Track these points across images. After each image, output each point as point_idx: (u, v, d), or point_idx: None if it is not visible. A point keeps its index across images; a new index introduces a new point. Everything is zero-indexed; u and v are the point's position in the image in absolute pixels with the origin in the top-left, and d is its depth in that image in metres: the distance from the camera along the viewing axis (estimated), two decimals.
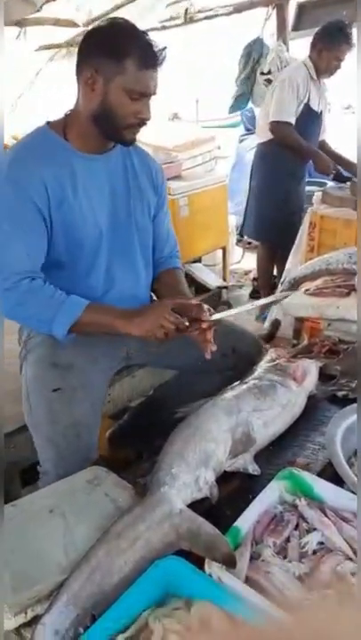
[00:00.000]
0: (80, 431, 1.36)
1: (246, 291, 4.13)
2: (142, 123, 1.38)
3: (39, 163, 1.36)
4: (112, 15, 3.93)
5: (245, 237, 4.64)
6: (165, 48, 1.36)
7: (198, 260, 3.78)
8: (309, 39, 3.21)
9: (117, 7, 4.13)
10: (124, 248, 1.53)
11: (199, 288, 3.62)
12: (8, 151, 1.42)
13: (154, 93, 1.36)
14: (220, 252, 3.94)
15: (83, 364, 1.44)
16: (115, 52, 1.29)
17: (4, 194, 1.34)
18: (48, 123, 1.44)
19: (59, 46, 5.07)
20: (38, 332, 1.47)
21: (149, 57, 1.31)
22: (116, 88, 1.31)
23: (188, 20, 4.39)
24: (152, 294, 1.70)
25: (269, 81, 3.78)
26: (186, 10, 4.31)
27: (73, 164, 1.40)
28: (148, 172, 1.58)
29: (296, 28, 4.38)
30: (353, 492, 1.01)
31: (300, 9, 4.36)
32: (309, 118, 3.23)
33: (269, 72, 3.93)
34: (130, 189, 1.52)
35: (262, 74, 3.89)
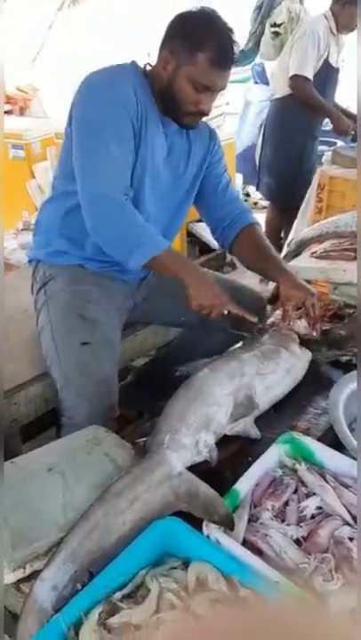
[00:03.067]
0: (109, 387, 1.41)
1: None
2: (202, 113, 1.40)
3: (135, 81, 1.38)
4: None
5: (252, 197, 4.56)
6: (242, 50, 1.35)
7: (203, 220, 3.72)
8: None
9: None
10: (166, 197, 1.54)
11: (203, 248, 3.57)
12: (100, 68, 1.41)
13: (220, 90, 1.38)
14: None
15: (105, 319, 1.48)
16: (191, 42, 1.31)
17: (103, 99, 1.35)
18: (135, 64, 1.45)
19: None
20: (111, 256, 1.43)
21: (222, 57, 1.32)
22: (183, 75, 1.34)
23: None
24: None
25: (277, 34, 3.62)
26: None
27: (152, 107, 1.41)
28: (201, 135, 1.58)
29: None
30: (353, 458, 1.00)
31: None
32: (328, 74, 3.10)
33: (279, 24, 3.75)
34: (184, 150, 1.54)
35: (272, 26, 3.71)
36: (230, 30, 1.35)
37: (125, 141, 1.36)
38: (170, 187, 1.54)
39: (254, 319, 1.39)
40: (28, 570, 0.88)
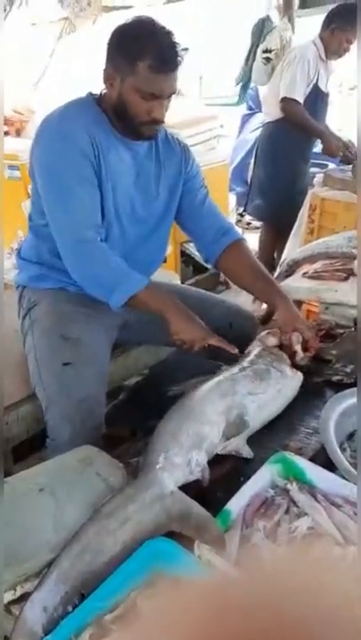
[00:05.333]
0: (92, 406, 1.39)
1: None
2: (156, 121, 1.39)
3: (86, 120, 1.39)
4: None
5: (245, 218, 4.61)
6: (187, 49, 1.36)
7: None
8: (313, 20, 3.14)
9: None
10: (142, 221, 1.55)
11: (197, 267, 3.60)
12: (54, 111, 1.43)
13: (168, 95, 1.37)
14: None
15: (90, 338, 1.47)
16: (130, 53, 1.31)
17: (59, 150, 1.37)
18: (91, 95, 1.47)
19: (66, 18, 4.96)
20: (91, 294, 1.45)
21: (164, 61, 1.31)
22: (129, 88, 1.34)
23: None
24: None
25: (268, 59, 3.71)
26: None
27: (113, 140, 1.43)
28: (171, 154, 1.58)
29: (303, 5, 4.27)
30: (344, 478, 1.01)
31: None
32: (317, 99, 3.17)
33: (270, 50, 3.85)
34: (153, 173, 1.53)
35: (264, 51, 3.80)
36: (168, 33, 1.33)
37: (88, 182, 1.38)
38: (144, 210, 1.54)
39: (234, 351, 1.41)
40: (19, 591, 0.88)
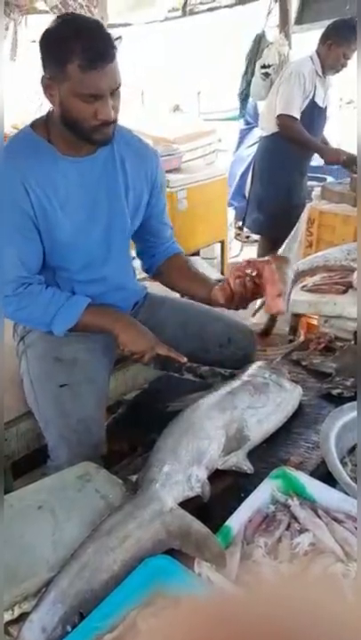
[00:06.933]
0: (89, 426, 1.37)
1: None
2: (106, 122, 1.28)
3: (21, 166, 1.32)
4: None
5: (244, 231, 4.62)
6: (119, 38, 1.27)
7: (197, 254, 3.76)
8: (310, 35, 3.18)
9: None
10: (110, 247, 1.50)
11: None
12: None
13: (111, 92, 1.25)
14: (218, 246, 3.92)
15: (85, 357, 1.46)
16: (57, 59, 1.23)
17: None
18: (32, 124, 1.39)
19: None
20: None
21: (92, 57, 1.20)
22: (67, 94, 1.25)
23: (188, 12, 4.33)
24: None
25: (267, 75, 3.75)
26: (185, 2, 4.25)
27: (57, 167, 1.36)
28: (139, 164, 1.49)
29: (299, 21, 4.33)
30: (345, 493, 1.00)
31: (304, 2, 4.31)
32: (314, 113, 3.20)
33: (268, 66, 3.89)
34: (117, 187, 1.45)
35: (262, 67, 3.85)
36: (94, 28, 1.24)
37: (19, 234, 1.35)
38: (105, 226, 1.47)
39: (183, 360, 1.41)
40: (17, 611, 0.87)
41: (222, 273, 3.89)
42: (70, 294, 1.44)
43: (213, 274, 3.71)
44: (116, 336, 1.41)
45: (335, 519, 0.95)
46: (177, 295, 1.85)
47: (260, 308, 3.24)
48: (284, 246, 3.11)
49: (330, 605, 0.32)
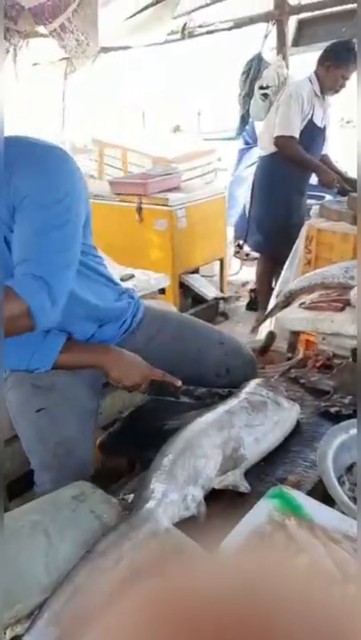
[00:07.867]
0: (70, 447, 1.35)
1: (243, 302, 4.13)
2: None
3: None
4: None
5: (244, 249, 4.65)
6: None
7: (196, 271, 3.78)
8: (308, 56, 3.24)
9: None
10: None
11: (196, 299, 3.61)
12: None
13: None
14: (217, 264, 3.94)
15: (64, 381, 1.43)
16: None
17: None
18: None
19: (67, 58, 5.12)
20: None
21: None
22: None
23: (187, 35, 4.41)
24: None
25: (266, 95, 3.81)
26: (184, 25, 4.33)
27: None
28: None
29: (296, 43, 4.40)
30: (343, 512, 0.99)
31: (300, 25, 4.38)
32: (313, 133, 3.24)
33: (267, 87, 3.96)
34: None
35: (260, 88, 3.91)
36: None
37: None
38: None
39: (178, 384, 1.40)
40: (9, 634, 0.85)
41: (222, 290, 3.91)
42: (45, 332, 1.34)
43: (213, 292, 3.73)
44: (107, 372, 1.38)
45: (333, 540, 0.94)
46: (175, 310, 1.83)
47: (259, 324, 3.25)
48: (286, 266, 3.12)
49: (320, 591, 0.30)
